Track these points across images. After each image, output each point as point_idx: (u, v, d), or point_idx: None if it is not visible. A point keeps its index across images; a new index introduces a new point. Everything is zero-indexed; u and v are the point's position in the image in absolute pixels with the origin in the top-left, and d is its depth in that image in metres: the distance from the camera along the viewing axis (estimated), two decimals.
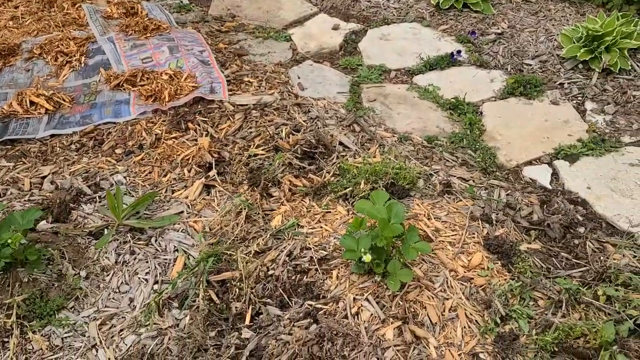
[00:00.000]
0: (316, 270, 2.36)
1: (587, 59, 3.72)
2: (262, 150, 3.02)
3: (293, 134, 3.11)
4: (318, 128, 3.17)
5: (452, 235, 2.57)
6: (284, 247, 2.47)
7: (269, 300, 2.27)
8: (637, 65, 3.75)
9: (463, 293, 2.31)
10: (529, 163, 3.15)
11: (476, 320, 2.23)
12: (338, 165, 2.90)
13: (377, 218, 2.16)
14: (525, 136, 3.32)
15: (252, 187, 2.80)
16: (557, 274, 2.41)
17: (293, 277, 2.33)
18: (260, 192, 2.75)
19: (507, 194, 2.86)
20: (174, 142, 3.07)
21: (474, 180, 2.94)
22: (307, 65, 3.91)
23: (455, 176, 2.94)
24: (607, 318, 2.22)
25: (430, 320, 2.20)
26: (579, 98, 3.61)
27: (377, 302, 2.22)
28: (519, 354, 2.10)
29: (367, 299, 2.22)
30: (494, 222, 2.66)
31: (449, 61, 3.94)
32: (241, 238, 2.54)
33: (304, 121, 3.23)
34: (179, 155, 2.99)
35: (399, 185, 2.76)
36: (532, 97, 3.62)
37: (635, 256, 2.51)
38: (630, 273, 2.38)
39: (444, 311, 2.24)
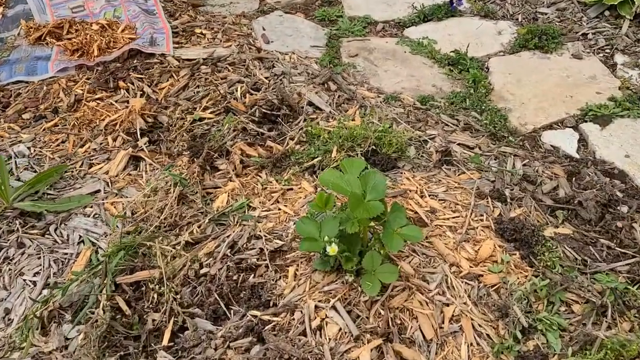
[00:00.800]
0: (267, 267, 1.72)
1: (615, 3, 3.06)
2: (211, 113, 2.37)
3: (251, 93, 2.46)
4: (283, 86, 2.51)
5: (453, 217, 1.93)
6: (227, 236, 1.83)
7: (198, 309, 1.63)
8: None
9: (469, 296, 1.67)
10: (549, 127, 2.50)
11: (487, 335, 1.59)
12: (305, 129, 2.25)
13: (346, 193, 1.52)
14: (543, 95, 2.67)
15: (193, 159, 2.15)
16: (596, 268, 1.77)
17: (235, 277, 1.69)
18: (202, 164, 2.10)
19: (524, 165, 2.21)
20: (98, 104, 2.41)
21: (480, 148, 2.29)
22: (275, 17, 3.24)
23: (456, 142, 2.29)
24: None
25: (424, 336, 1.56)
26: (607, 50, 2.95)
27: (349, 312, 1.58)
28: None
29: (334, 307, 1.58)
30: (509, 200, 2.01)
31: (448, 11, 3.27)
32: (170, 224, 1.90)
33: (265, 78, 2.57)
34: (103, 120, 2.34)
35: (383, 154, 2.11)
36: (549, 51, 2.96)
37: None
38: None
39: (443, 322, 1.60)
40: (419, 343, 1.54)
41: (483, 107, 2.56)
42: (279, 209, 1.95)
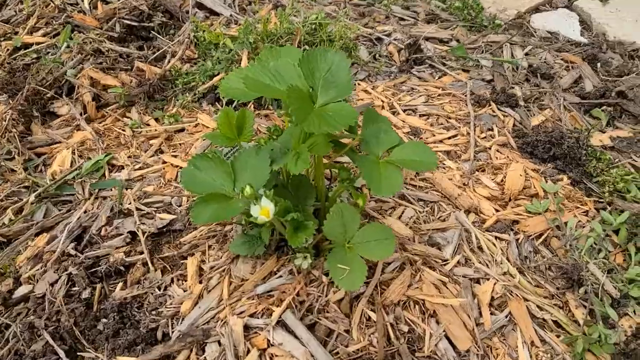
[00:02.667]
0: (145, 265, 0.92)
1: None
2: (43, 36, 1.50)
3: (105, 2, 1.60)
4: None
5: (449, 137, 1.20)
6: (69, 220, 1.00)
7: None
8: None
9: (509, 260, 0.96)
10: (536, 10, 1.83)
11: (556, 323, 0.89)
12: (195, 39, 1.43)
13: (278, 95, 0.74)
14: None
15: (9, 102, 1.28)
16: None
17: (85, 295, 0.88)
18: (25, 108, 1.25)
19: (527, 54, 1.51)
20: None
21: (458, 41, 1.57)
22: None
23: (423, 37, 1.56)
24: None
25: (454, 348, 0.83)
26: None
27: (311, 328, 0.82)
28: None
29: (282, 325, 0.82)
30: (522, 104, 1.31)
31: None
32: None
33: None
34: None
35: None
36: None
37: None
38: None
39: (480, 315, 0.88)
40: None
41: None
42: (164, 163, 1.14)
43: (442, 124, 1.24)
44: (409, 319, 0.85)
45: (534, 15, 1.79)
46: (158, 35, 1.49)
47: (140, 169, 1.13)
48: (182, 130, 1.23)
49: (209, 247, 0.94)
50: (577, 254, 0.98)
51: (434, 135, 1.20)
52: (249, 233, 0.88)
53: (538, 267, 0.97)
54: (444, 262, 0.94)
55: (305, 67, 0.77)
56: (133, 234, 0.97)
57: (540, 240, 1.01)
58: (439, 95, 1.33)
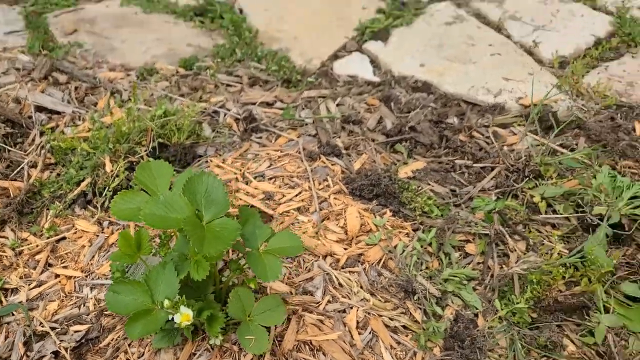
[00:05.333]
0: None
1: None
2: None
3: None
4: None
5: (296, 195, 1.49)
6: None
7: None
8: None
9: (362, 287, 1.28)
10: (335, 57, 2.19)
11: (404, 327, 1.23)
12: (49, 146, 1.53)
13: (176, 225, 0.94)
14: (312, 25, 2.34)
15: None
16: (468, 194, 1.53)
17: None
18: None
19: (338, 105, 1.86)
20: None
21: (282, 101, 1.86)
22: None
23: (253, 103, 1.82)
24: (561, 234, 1.43)
25: None
26: None
27: None
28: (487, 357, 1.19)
29: None
30: (344, 152, 1.64)
31: None
32: None
33: None
34: None
35: (175, 145, 1.54)
36: None
37: (531, 131, 1.77)
38: (550, 158, 1.62)
39: (352, 338, 1.18)
40: None
41: (259, 54, 2.12)
42: (57, 277, 1.26)
43: (287, 183, 1.52)
44: (303, 358, 1.12)
45: (335, 62, 2.16)
46: (8, 147, 1.55)
47: (36, 287, 1.24)
48: (64, 239, 1.35)
49: (129, 345, 1.11)
50: (408, 269, 1.33)
51: (284, 196, 1.48)
52: (166, 328, 1.07)
53: (384, 287, 1.30)
54: (317, 304, 1.22)
55: (188, 193, 0.99)
56: (55, 353, 1.10)
57: (381, 265, 1.34)
58: (279, 157, 1.61)
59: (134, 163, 1.43)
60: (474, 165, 1.62)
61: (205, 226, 0.96)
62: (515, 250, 1.40)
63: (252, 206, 1.40)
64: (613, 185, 1.45)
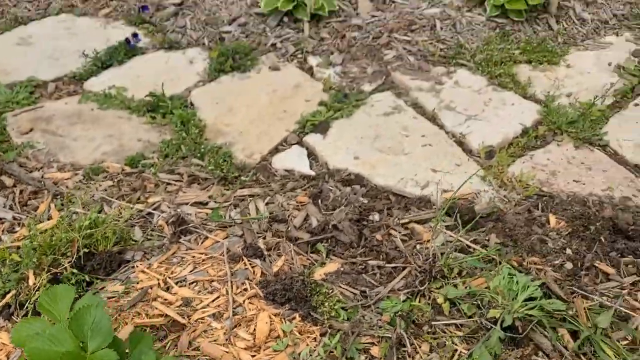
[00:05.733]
0: None
1: (290, 8, 3.03)
2: None
3: None
4: None
5: (213, 300, 1.58)
6: None
7: None
8: (343, 4, 3.21)
9: None
10: (276, 150, 2.32)
11: None
12: None
13: (55, 358, 1.03)
14: (259, 118, 2.48)
15: None
16: (377, 296, 1.62)
17: None
18: None
19: (267, 203, 1.97)
20: None
21: (215, 201, 1.97)
22: None
23: (186, 203, 1.94)
24: (463, 335, 1.51)
25: None
26: (299, 55, 2.90)
27: None
28: None
29: None
30: (265, 253, 1.74)
31: (127, 50, 2.86)
32: None
33: None
34: None
35: (102, 252, 1.64)
36: (247, 69, 2.79)
37: (448, 226, 1.87)
38: (458, 254, 1.72)
39: None
40: None
41: (202, 150, 2.25)
42: None
43: (207, 288, 1.61)
44: None
45: (275, 155, 2.28)
46: None
47: None
48: None
49: None
50: None
51: (202, 302, 1.57)
52: None
53: None
54: None
55: (75, 324, 1.09)
56: None
57: None
58: (203, 260, 1.71)
59: (58, 274, 1.53)
60: (386, 265, 1.71)
61: (89, 357, 1.05)
62: (418, 352, 1.48)
63: (166, 315, 1.49)
64: (509, 287, 1.54)
